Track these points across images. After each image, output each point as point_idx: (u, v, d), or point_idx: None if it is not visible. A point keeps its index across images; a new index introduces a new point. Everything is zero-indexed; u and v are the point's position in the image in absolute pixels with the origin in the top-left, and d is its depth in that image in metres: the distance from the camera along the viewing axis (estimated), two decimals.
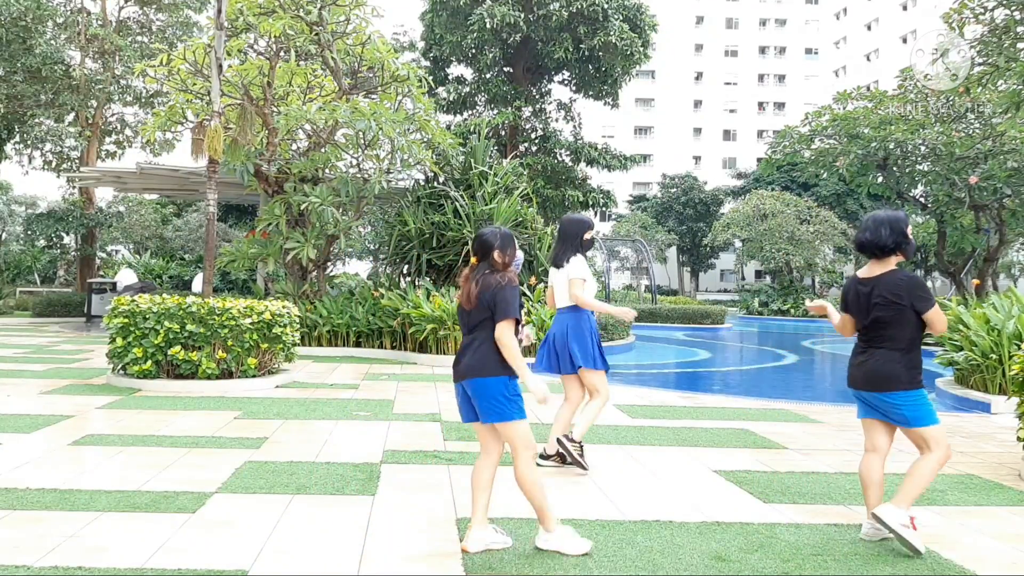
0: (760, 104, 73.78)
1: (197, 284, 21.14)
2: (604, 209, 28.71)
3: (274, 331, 8.82)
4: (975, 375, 8.87)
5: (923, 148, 19.95)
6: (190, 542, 3.61)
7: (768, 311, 33.54)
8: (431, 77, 16.48)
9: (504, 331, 3.50)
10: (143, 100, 24.12)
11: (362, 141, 13.32)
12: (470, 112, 28.41)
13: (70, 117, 24.83)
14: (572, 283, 5.16)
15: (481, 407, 3.56)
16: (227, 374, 8.59)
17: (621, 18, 24.91)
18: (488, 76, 27.38)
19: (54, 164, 25.42)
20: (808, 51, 74.30)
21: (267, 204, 13.74)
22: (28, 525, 3.78)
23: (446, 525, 3.95)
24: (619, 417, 7.21)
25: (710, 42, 73.75)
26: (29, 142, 24.36)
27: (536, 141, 27.58)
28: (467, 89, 27.54)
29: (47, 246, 29.54)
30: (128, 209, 32.52)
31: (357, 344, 13.08)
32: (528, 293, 12.84)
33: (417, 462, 5.32)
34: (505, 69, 27.75)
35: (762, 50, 74.22)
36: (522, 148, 27.07)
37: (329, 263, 15.04)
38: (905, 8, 61.19)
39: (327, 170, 14.10)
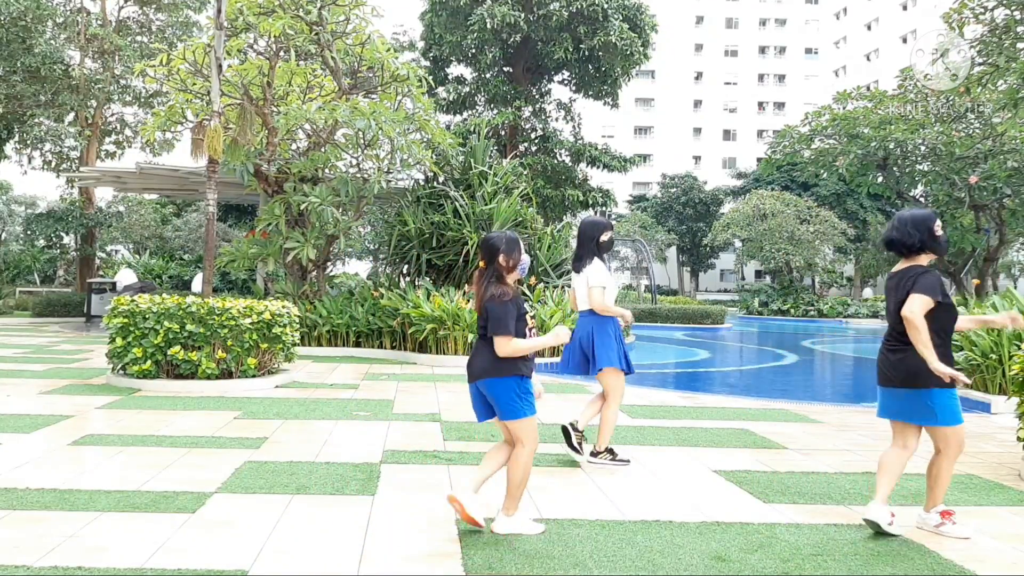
0: (760, 104, 73.81)
1: (197, 284, 21.14)
2: (604, 209, 28.69)
3: (274, 331, 8.82)
4: (975, 375, 8.86)
5: (923, 148, 19.96)
6: (190, 542, 3.61)
7: (768, 311, 33.55)
8: (431, 77, 16.46)
9: (500, 346, 3.67)
10: (143, 100, 24.10)
11: (362, 141, 13.32)
12: (470, 112, 28.39)
13: (70, 117, 24.81)
14: (591, 291, 5.28)
15: (499, 406, 3.77)
16: (227, 374, 8.58)
17: (621, 18, 24.90)
18: (488, 76, 27.36)
19: (54, 164, 25.40)
20: (808, 51, 74.32)
21: (267, 204, 13.74)
22: (28, 525, 3.78)
23: (446, 525, 3.95)
24: (619, 417, 7.20)
25: (710, 42, 73.76)
26: (29, 142, 24.34)
27: (536, 141, 27.57)
28: (467, 89, 27.53)
29: (47, 246, 29.54)
30: (128, 209, 32.54)
31: (357, 344, 13.08)
32: (528, 293, 12.84)
33: (417, 462, 5.32)
34: (505, 69, 27.74)
35: (762, 50, 74.23)
36: (522, 148, 27.06)
37: (329, 263, 15.04)
38: (905, 8, 61.21)
39: (327, 170, 14.10)
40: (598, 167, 28.11)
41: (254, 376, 8.73)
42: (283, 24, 12.13)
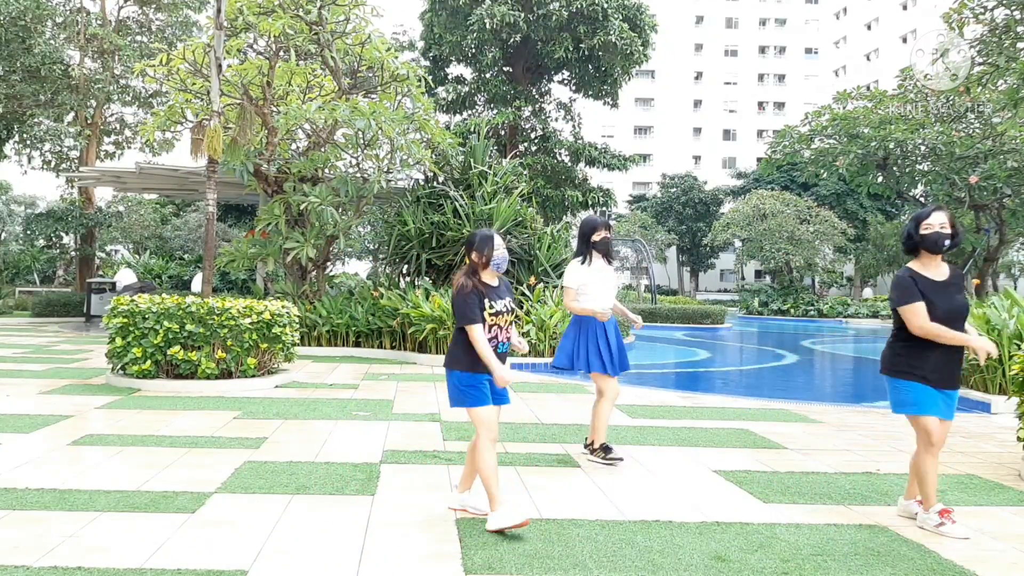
0: (760, 104, 73.78)
1: (196, 284, 21.15)
2: (604, 209, 28.69)
3: (273, 331, 8.82)
4: (975, 375, 8.87)
5: (923, 148, 19.96)
6: (190, 542, 3.61)
7: (768, 311, 33.56)
8: (431, 77, 16.47)
9: (469, 334, 3.89)
10: (142, 100, 24.09)
11: (361, 141, 13.31)
12: (470, 112, 28.39)
13: (69, 117, 24.79)
14: (564, 291, 5.53)
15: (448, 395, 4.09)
16: (226, 374, 8.58)
17: (621, 18, 24.89)
18: (488, 76, 27.35)
19: (53, 164, 25.38)
20: (808, 51, 74.30)
21: (266, 204, 13.73)
22: (28, 525, 3.78)
23: (446, 525, 3.95)
24: (619, 417, 7.20)
25: (710, 42, 73.75)
26: (28, 142, 24.30)
27: (536, 141, 27.57)
28: (467, 89, 27.52)
29: (46, 246, 29.51)
30: (127, 209, 32.56)
31: (356, 344, 13.08)
32: (528, 293, 12.83)
33: (417, 462, 5.32)
34: (505, 69, 27.73)
35: (762, 50, 74.22)
36: (522, 148, 27.05)
37: (329, 263, 15.03)
38: (905, 8, 61.20)
39: (327, 170, 14.09)
40: (598, 167, 28.12)
41: (254, 376, 8.73)
42: (283, 24, 12.12)
